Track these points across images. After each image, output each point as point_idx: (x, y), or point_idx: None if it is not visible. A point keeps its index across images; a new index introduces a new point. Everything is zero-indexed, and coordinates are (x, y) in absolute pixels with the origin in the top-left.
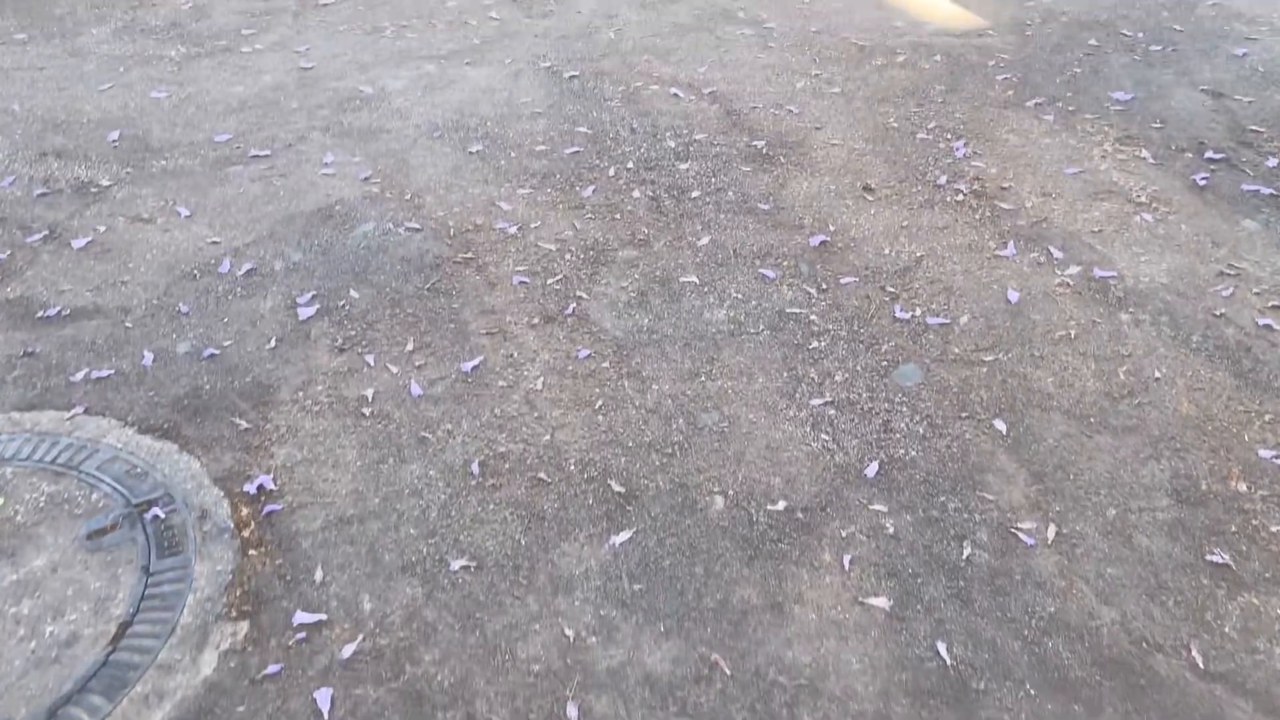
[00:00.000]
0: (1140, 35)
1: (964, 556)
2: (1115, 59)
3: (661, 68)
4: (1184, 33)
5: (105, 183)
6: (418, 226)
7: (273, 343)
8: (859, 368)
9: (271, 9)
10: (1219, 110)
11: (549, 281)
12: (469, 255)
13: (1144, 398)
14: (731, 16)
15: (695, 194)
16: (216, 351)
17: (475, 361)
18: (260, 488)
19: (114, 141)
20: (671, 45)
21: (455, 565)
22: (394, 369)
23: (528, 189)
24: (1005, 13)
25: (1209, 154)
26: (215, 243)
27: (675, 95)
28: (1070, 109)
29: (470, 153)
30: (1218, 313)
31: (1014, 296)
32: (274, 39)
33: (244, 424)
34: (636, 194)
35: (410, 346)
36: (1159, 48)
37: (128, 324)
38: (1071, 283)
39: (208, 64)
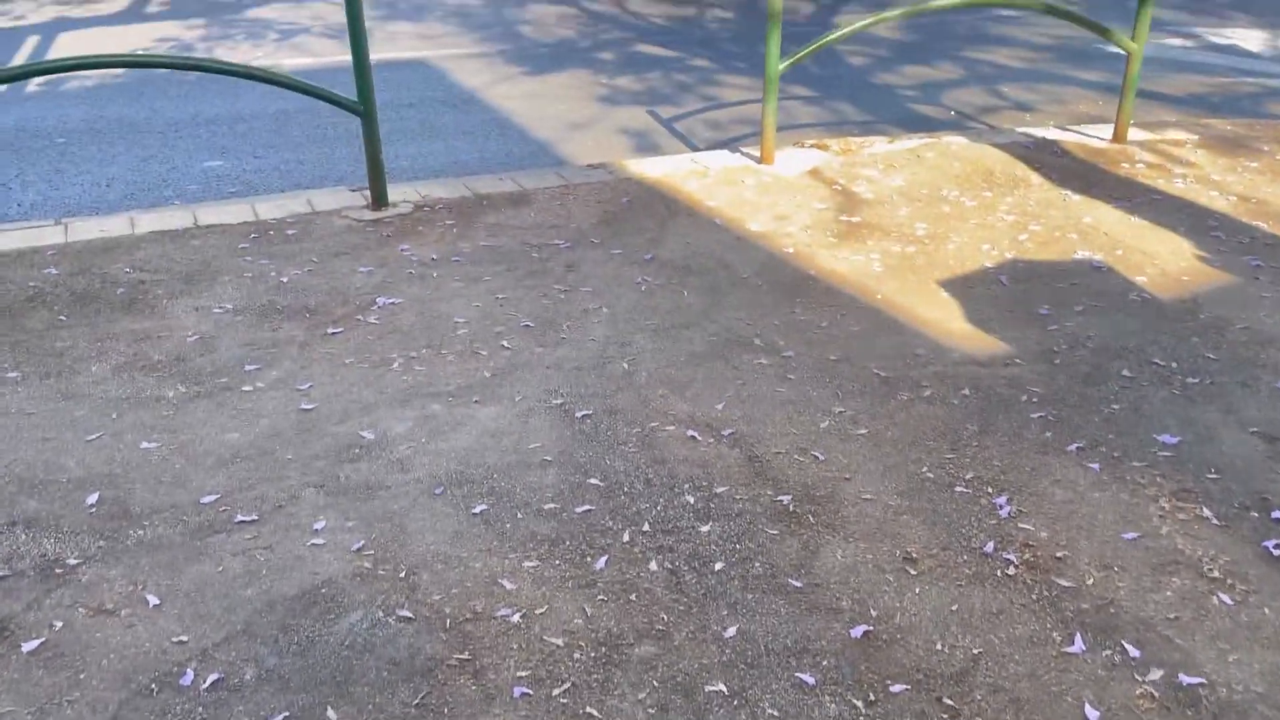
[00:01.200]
0: (1174, 365)
1: None
2: (1153, 393)
3: (678, 404)
4: (1219, 362)
5: (73, 561)
6: (410, 615)
7: None
8: None
9: (279, 340)
10: (1275, 457)
11: (555, 692)
12: (465, 655)
13: None
14: (748, 344)
15: (719, 566)
16: None
17: None
18: None
19: (91, 506)
20: (687, 377)
21: None
22: None
23: (534, 560)
24: (1030, 337)
25: (1275, 513)
26: (182, 642)
27: (693, 438)
28: (1115, 454)
29: (474, 514)
30: None
31: (1093, 715)
32: (277, 375)
33: None
34: (654, 566)
35: None
36: (1196, 380)
37: None
38: (1156, 694)
39: (205, 405)
